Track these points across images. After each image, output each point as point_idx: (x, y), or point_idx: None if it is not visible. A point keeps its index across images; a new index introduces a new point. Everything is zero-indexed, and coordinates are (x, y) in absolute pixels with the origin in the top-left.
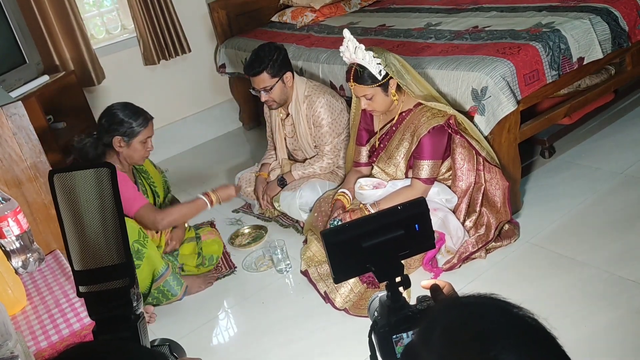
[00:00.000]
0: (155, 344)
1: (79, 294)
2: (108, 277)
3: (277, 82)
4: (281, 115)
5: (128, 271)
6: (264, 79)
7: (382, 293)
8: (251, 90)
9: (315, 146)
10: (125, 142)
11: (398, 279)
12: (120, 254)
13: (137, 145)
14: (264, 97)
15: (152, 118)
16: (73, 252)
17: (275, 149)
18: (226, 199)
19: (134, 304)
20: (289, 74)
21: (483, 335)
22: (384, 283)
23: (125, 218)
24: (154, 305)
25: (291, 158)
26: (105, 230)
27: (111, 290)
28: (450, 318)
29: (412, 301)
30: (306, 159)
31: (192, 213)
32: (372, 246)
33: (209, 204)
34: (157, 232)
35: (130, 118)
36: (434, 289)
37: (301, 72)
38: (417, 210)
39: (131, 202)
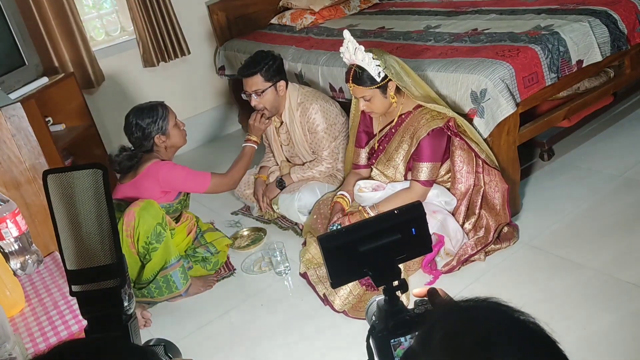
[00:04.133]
0: (151, 343)
1: (72, 293)
2: (100, 276)
3: (269, 87)
4: (276, 124)
5: (120, 271)
6: (256, 82)
7: (380, 297)
8: (242, 94)
9: (312, 152)
10: (164, 135)
11: (395, 283)
12: (113, 254)
13: (173, 131)
14: (254, 101)
15: (163, 102)
16: (66, 251)
17: (273, 155)
18: (261, 131)
19: (126, 304)
20: (282, 82)
21: (484, 341)
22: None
23: (150, 201)
24: (153, 299)
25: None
26: (99, 230)
27: (103, 290)
28: (450, 323)
29: (412, 304)
30: (305, 162)
31: (249, 161)
32: (369, 251)
33: (255, 146)
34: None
35: (152, 115)
36: (432, 292)
37: (300, 75)
38: (414, 214)
39: (200, 180)
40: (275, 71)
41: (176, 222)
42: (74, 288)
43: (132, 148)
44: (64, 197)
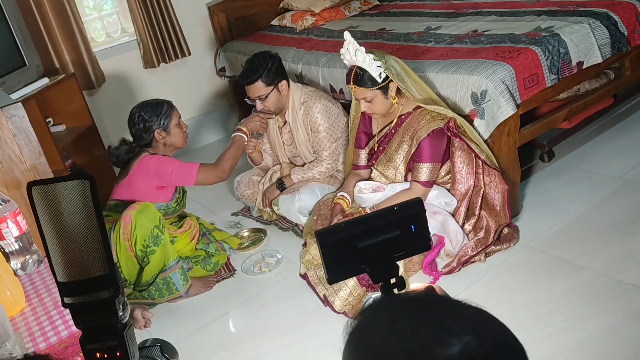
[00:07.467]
0: (147, 344)
1: (64, 305)
2: (93, 288)
3: (271, 90)
4: (279, 123)
5: (112, 282)
6: (258, 88)
7: (377, 294)
8: (246, 99)
9: (314, 151)
10: (165, 132)
11: (393, 281)
12: (104, 265)
13: (174, 130)
14: (259, 106)
15: (170, 101)
16: (56, 264)
17: (277, 156)
18: (255, 129)
19: (120, 314)
20: (284, 82)
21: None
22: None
23: (147, 204)
24: (154, 300)
25: (291, 164)
26: (89, 241)
27: (96, 301)
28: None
29: None
30: (305, 163)
31: (239, 152)
32: (367, 247)
33: (245, 137)
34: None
35: (156, 110)
36: (429, 291)
37: (301, 76)
38: (413, 211)
39: (187, 172)
40: (275, 73)
41: (179, 228)
42: (66, 300)
43: (132, 141)
44: (51, 209)
